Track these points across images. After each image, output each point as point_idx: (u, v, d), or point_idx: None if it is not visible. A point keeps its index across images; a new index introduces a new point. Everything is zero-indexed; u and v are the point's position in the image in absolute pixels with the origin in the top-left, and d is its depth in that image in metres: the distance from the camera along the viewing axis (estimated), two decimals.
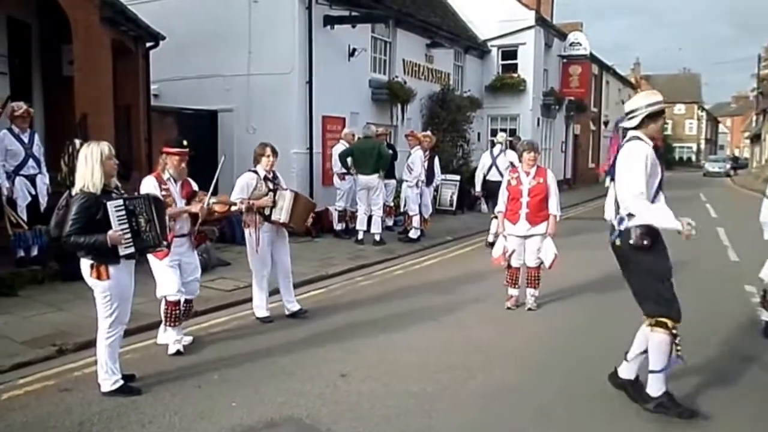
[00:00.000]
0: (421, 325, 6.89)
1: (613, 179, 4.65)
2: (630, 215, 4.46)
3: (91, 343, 5.15)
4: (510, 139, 13.05)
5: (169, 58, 12.04)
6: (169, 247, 5.41)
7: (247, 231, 6.87)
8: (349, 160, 11.73)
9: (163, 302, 5.76)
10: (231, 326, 6.81)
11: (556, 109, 25.66)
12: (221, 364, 5.58)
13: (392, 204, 13.23)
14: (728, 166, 51.73)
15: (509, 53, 22.97)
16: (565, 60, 26.20)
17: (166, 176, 5.69)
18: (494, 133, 22.34)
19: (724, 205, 21.69)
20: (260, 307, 6.98)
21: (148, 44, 11.25)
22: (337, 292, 8.47)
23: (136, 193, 5.20)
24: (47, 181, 8.19)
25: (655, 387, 4.51)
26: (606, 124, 36.01)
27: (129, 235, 4.63)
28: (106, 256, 4.61)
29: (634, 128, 4.51)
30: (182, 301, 5.77)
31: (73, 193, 4.63)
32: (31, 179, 7.98)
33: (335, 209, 12.49)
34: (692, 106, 73.88)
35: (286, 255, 7.10)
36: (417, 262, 10.73)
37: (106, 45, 9.61)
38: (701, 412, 4.53)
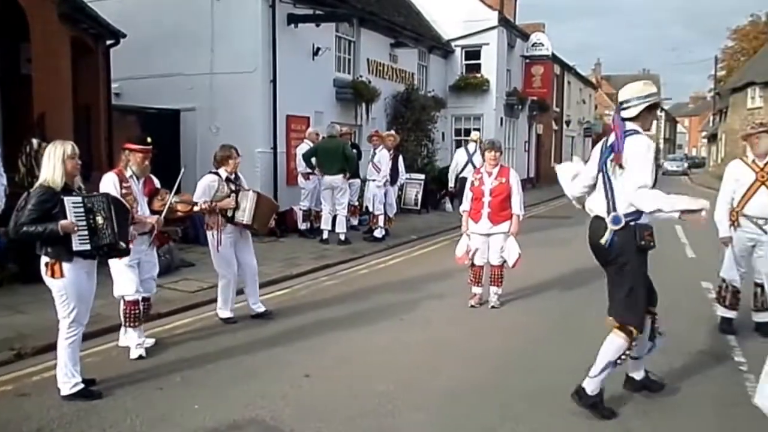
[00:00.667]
0: (386, 324, 6.92)
1: (603, 171, 4.54)
2: (631, 214, 4.35)
3: (51, 347, 5.05)
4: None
5: (130, 56, 11.86)
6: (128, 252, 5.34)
7: (209, 233, 6.81)
8: (313, 159, 11.70)
9: (122, 302, 5.68)
10: (194, 328, 6.75)
11: (519, 108, 25.92)
12: (184, 366, 5.53)
13: (357, 203, 13.23)
14: (686, 165, 52.88)
15: (473, 53, 23.15)
16: (527, 60, 26.51)
17: (128, 173, 5.62)
18: (458, 132, 22.65)
19: None
20: (224, 308, 6.93)
21: (109, 42, 11.07)
22: (302, 293, 8.45)
23: (95, 192, 5.13)
24: (5, 182, 7.98)
25: (592, 384, 4.52)
26: (568, 123, 36.51)
27: (85, 232, 4.59)
28: (59, 252, 4.57)
29: (631, 119, 4.43)
30: (140, 300, 5.70)
31: (33, 187, 4.59)
32: None
33: (300, 209, 12.46)
34: None
35: (252, 255, 7.06)
36: (382, 261, 10.76)
37: (65, 43, 9.43)
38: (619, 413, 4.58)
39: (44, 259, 4.64)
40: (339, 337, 6.41)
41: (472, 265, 7.58)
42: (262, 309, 7.07)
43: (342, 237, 11.57)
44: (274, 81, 12.72)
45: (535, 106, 27.88)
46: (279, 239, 11.85)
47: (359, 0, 16.13)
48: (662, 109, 78.01)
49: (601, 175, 4.56)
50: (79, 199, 4.63)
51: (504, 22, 23.60)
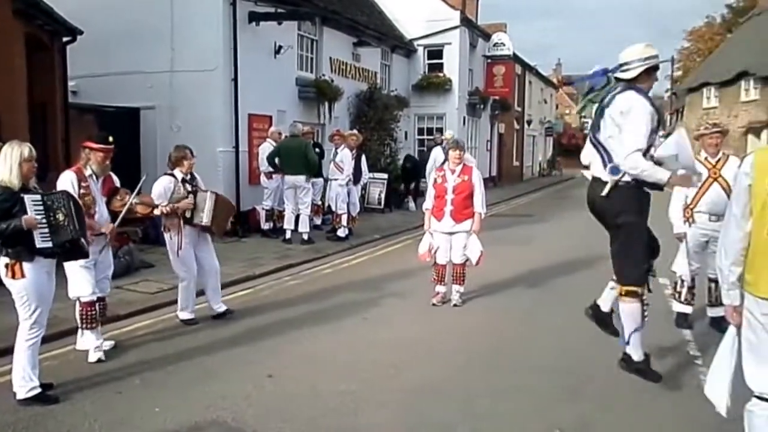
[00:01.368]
0: (349, 323, 6.92)
1: (596, 128, 4.72)
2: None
3: (8, 351, 4.94)
4: (438, 136, 13.26)
5: (87, 53, 11.64)
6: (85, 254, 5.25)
7: (167, 235, 6.70)
8: (277, 160, 11.63)
9: (78, 304, 5.58)
10: (155, 329, 6.66)
11: (482, 108, 26.12)
12: (144, 368, 5.46)
13: (320, 203, 13.19)
14: None
15: (435, 53, 23.26)
16: (489, 60, 26.72)
17: (87, 172, 5.53)
18: (421, 132, 22.78)
19: None
20: (185, 309, 6.85)
21: (65, 39, 10.84)
22: (265, 293, 8.40)
23: (54, 190, 5.04)
24: None
25: (636, 351, 4.79)
26: (529, 123, 36.93)
27: (46, 229, 4.53)
28: (19, 252, 4.50)
29: (630, 80, 4.55)
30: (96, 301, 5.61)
31: None
32: None
33: (262, 208, 12.38)
34: None
35: (212, 256, 6.99)
36: (345, 260, 10.75)
37: (19, 40, 9.20)
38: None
39: (3, 261, 4.56)
40: (302, 337, 6.40)
41: (435, 263, 7.63)
42: (223, 309, 7.01)
43: (305, 236, 11.54)
44: (235, 79, 12.59)
45: (497, 106, 28.11)
46: (241, 239, 11.76)
47: None
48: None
49: (592, 136, 4.77)
50: (39, 196, 4.59)
51: (466, 22, 23.77)
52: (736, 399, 3.48)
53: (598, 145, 4.70)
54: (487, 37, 26.57)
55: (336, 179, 12.24)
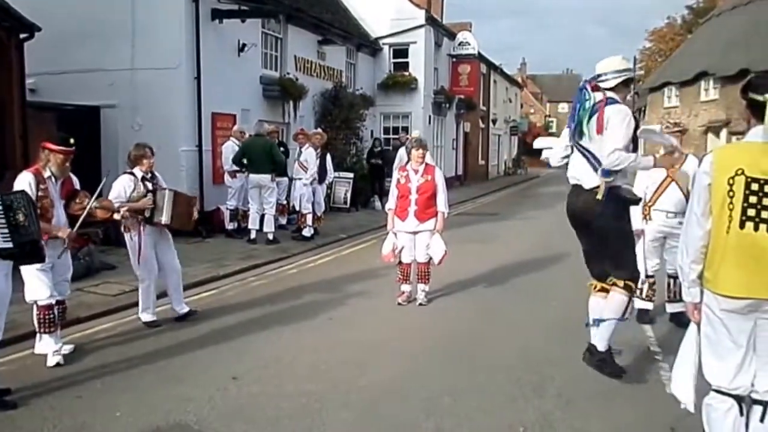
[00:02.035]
0: (314, 323, 6.90)
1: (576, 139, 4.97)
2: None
3: None
4: (403, 135, 13.29)
5: (46, 50, 11.37)
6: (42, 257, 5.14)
7: (127, 236, 6.59)
8: (243, 160, 11.54)
9: (35, 307, 5.44)
10: (116, 332, 6.55)
11: (447, 107, 26.25)
12: (104, 372, 5.37)
13: (285, 202, 13.12)
14: None
15: (400, 51, 23.30)
16: (454, 59, 26.84)
17: (46, 174, 5.40)
18: (387, 131, 22.81)
19: None
20: (147, 311, 6.75)
21: (22, 35, 10.56)
22: (229, 293, 8.32)
23: (13, 190, 4.92)
24: None
25: (602, 342, 4.93)
26: (495, 122, 37.21)
27: (6, 230, 4.42)
28: None
29: (608, 90, 4.84)
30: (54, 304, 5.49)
31: None
32: None
33: (227, 208, 12.26)
34: None
35: (174, 256, 6.90)
36: (311, 260, 10.71)
37: None
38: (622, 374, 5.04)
39: None
40: (267, 338, 6.36)
41: (400, 262, 7.64)
42: (186, 310, 6.93)
43: (270, 236, 11.46)
44: (198, 77, 12.45)
45: (462, 105, 28.28)
46: (205, 240, 11.63)
47: None
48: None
49: (574, 143, 4.99)
50: None
51: (431, 20, 23.86)
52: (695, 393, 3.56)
53: (585, 152, 4.87)
54: (452, 36, 26.69)
55: (300, 179, 12.18)
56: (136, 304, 6.90)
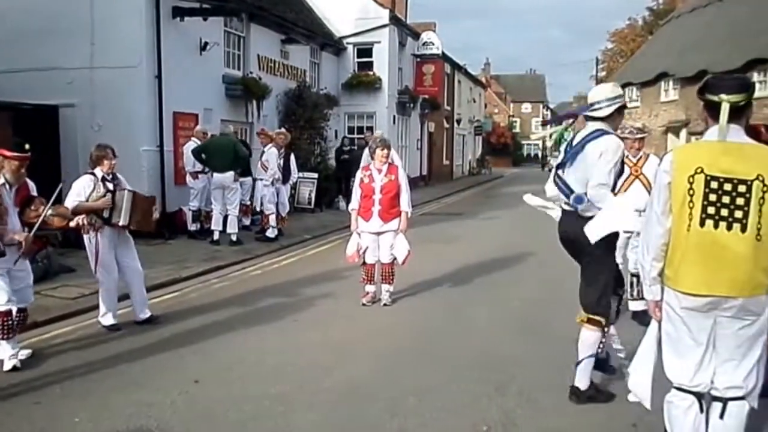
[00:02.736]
0: (279, 325, 6.86)
1: (562, 166, 4.78)
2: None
3: None
4: (368, 135, 13.28)
5: (1, 48, 11.14)
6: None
7: (86, 237, 6.47)
8: (202, 155, 11.41)
9: None
10: (75, 336, 6.43)
11: (411, 107, 26.33)
12: (64, 377, 5.27)
13: (249, 203, 13.02)
14: None
15: (365, 51, 23.31)
16: (418, 59, 26.95)
17: (0, 180, 5.27)
18: (351, 130, 22.79)
19: None
20: (107, 314, 6.64)
21: None
22: (192, 295, 8.23)
23: None
24: None
25: (583, 380, 4.72)
26: (459, 122, 37.44)
27: None
28: None
29: (602, 119, 4.63)
30: (14, 310, 5.36)
31: None
32: None
33: (189, 209, 12.12)
34: (538, 105, 78.14)
35: (134, 258, 6.80)
36: (275, 261, 10.65)
37: None
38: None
39: None
40: (230, 340, 6.30)
41: (364, 263, 7.64)
42: (148, 314, 6.83)
43: (234, 237, 11.36)
44: (159, 76, 12.29)
45: (426, 105, 28.39)
46: (167, 241, 11.47)
47: None
48: (548, 108, 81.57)
49: (556, 173, 4.83)
50: None
51: (395, 20, 23.92)
52: (656, 390, 3.62)
53: (560, 182, 4.75)
54: (416, 36, 26.79)
55: (261, 179, 12.09)
56: (96, 307, 6.78)
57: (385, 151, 7.48)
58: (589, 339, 4.69)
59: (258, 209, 12.68)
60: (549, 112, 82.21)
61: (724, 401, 3.29)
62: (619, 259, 6.73)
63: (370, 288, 7.70)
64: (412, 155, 27.08)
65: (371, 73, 23.04)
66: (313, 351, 6.00)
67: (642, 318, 6.71)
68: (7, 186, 5.30)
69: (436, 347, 6.14)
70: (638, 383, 3.74)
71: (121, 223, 6.48)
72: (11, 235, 5.22)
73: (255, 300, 7.89)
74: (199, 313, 7.26)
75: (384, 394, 4.94)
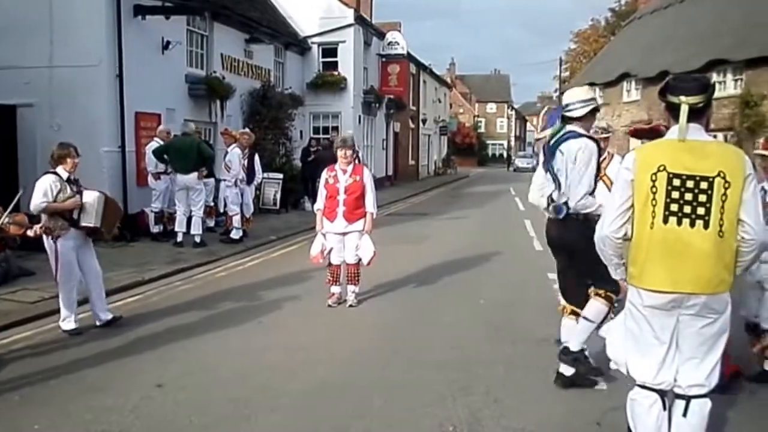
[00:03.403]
0: (243, 327, 6.80)
1: (551, 170, 4.93)
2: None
3: None
4: (334, 135, 13.23)
5: None
6: None
7: (47, 240, 6.33)
8: (164, 157, 11.26)
9: None
10: (35, 342, 6.29)
11: (377, 107, 26.35)
12: (23, 383, 5.15)
13: (213, 204, 12.87)
14: (535, 161, 55.81)
15: (329, 51, 23.26)
16: (383, 59, 26.98)
17: None
18: (317, 131, 22.72)
19: None
20: (68, 318, 6.51)
21: None
22: (154, 299, 8.11)
23: None
24: None
25: (577, 340, 4.85)
26: (424, 122, 37.57)
27: None
28: None
29: (577, 119, 4.87)
30: None
31: None
32: None
33: (151, 211, 11.95)
34: (503, 105, 78.75)
35: (94, 260, 6.69)
36: (240, 263, 10.56)
37: None
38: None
39: None
40: (194, 344, 6.23)
41: (329, 264, 7.62)
42: (109, 317, 6.72)
43: (197, 239, 11.23)
44: (120, 76, 12.09)
45: (392, 105, 28.44)
46: (129, 244, 11.28)
47: None
48: (512, 108, 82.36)
49: (549, 173, 4.97)
50: None
51: (360, 20, 23.90)
52: (620, 389, 3.65)
53: (554, 176, 4.93)
54: (381, 35, 26.82)
55: (224, 180, 11.98)
56: (56, 312, 6.64)
57: (348, 151, 7.42)
58: (599, 310, 4.81)
59: (222, 210, 12.54)
60: (514, 112, 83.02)
61: (687, 399, 3.34)
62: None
63: (335, 289, 7.67)
64: (378, 155, 27.09)
65: (336, 72, 22.99)
66: (277, 353, 5.97)
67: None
68: None
69: (402, 348, 6.15)
70: (614, 348, 3.69)
71: (92, 225, 6.37)
72: None
73: (219, 302, 7.81)
74: (161, 317, 7.16)
75: (349, 396, 4.93)
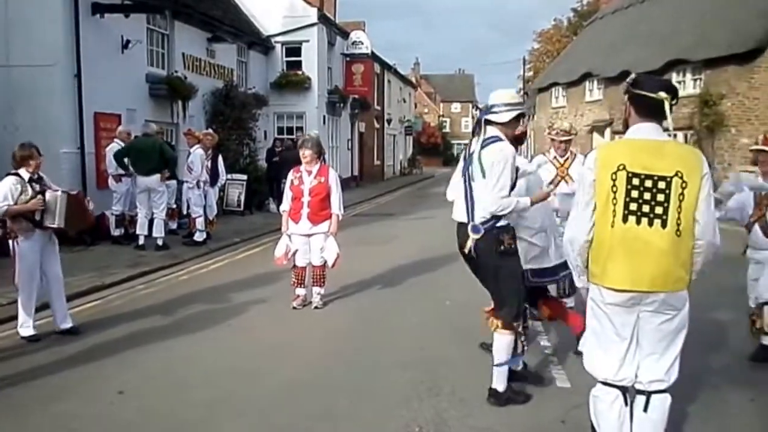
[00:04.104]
0: (207, 331, 6.71)
1: (465, 178, 4.63)
2: (489, 220, 4.46)
3: None
4: (299, 135, 13.14)
5: None
6: None
7: (12, 242, 6.18)
8: (126, 160, 11.06)
9: None
10: None
11: (342, 107, 26.29)
12: None
13: (175, 206, 12.69)
14: None
15: (293, 50, 23.14)
16: (348, 59, 26.94)
17: None
18: (281, 131, 22.60)
19: None
20: (26, 324, 6.33)
21: None
22: (116, 303, 7.96)
23: None
24: None
25: (501, 382, 4.69)
26: (389, 122, 37.60)
27: None
28: None
29: (501, 124, 4.53)
30: None
31: None
32: None
33: (112, 213, 11.72)
34: (467, 104, 79.09)
35: (57, 264, 6.53)
36: (203, 265, 10.43)
37: None
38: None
39: None
40: (157, 349, 6.12)
41: (294, 266, 7.57)
42: (69, 324, 6.56)
43: (160, 242, 11.07)
44: (78, 75, 11.88)
45: (356, 105, 28.41)
46: (89, 248, 11.05)
47: None
48: (477, 108, 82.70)
49: (463, 182, 4.66)
50: None
51: (324, 19, 23.82)
52: (583, 387, 3.69)
53: (468, 195, 4.59)
54: (345, 35, 26.77)
55: (186, 181, 11.82)
56: (14, 318, 6.46)
57: (307, 151, 7.30)
58: (502, 343, 4.65)
59: (185, 212, 12.37)
60: (478, 112, 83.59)
61: (648, 394, 3.39)
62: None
63: (300, 291, 7.62)
64: (343, 155, 27.04)
65: (300, 72, 22.89)
66: (243, 356, 5.91)
67: None
68: None
69: (368, 349, 6.14)
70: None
71: (56, 225, 6.22)
72: None
73: (182, 306, 7.69)
74: (123, 321, 7.03)
75: (316, 398, 4.90)
